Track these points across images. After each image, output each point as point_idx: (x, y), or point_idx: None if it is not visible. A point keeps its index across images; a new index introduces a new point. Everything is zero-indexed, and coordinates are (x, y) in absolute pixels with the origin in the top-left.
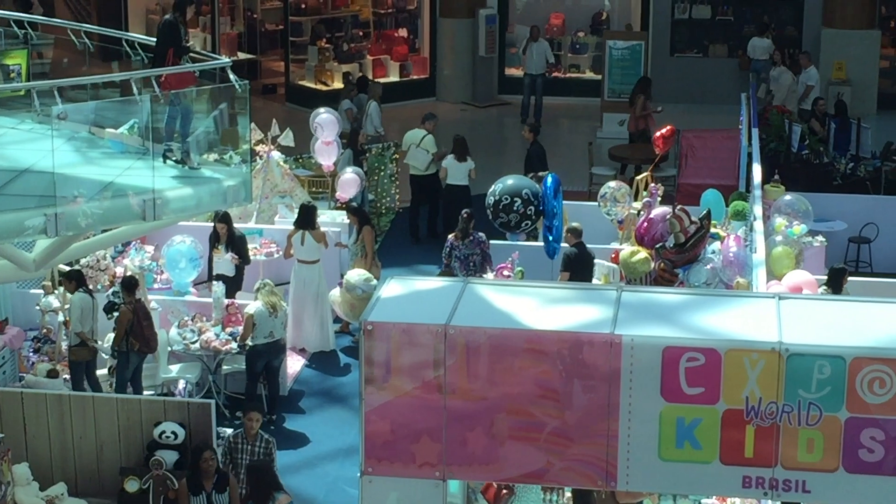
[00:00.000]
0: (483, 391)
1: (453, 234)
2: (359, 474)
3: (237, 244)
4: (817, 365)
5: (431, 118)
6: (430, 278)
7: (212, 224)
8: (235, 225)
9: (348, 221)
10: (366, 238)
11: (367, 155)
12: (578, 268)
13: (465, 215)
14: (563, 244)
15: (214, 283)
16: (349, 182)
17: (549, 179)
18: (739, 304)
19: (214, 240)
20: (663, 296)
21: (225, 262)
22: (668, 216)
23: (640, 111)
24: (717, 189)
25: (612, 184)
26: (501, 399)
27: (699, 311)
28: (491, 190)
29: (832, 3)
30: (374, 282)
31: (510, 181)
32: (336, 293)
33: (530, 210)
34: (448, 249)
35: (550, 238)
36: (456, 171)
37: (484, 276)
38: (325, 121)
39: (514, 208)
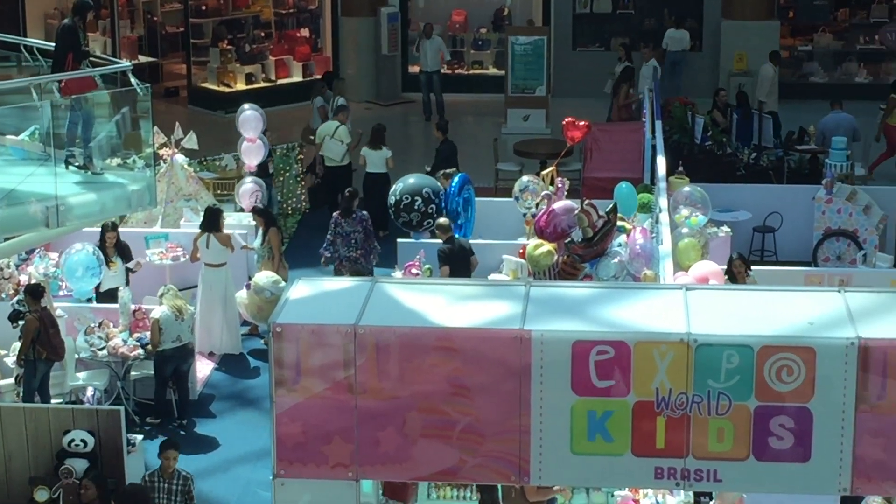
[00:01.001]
0: (394, 390)
1: (337, 212)
2: (271, 477)
3: (126, 252)
4: (725, 354)
5: (344, 109)
6: (339, 279)
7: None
8: (141, 229)
9: (254, 223)
10: (272, 240)
11: (273, 156)
12: (455, 261)
13: (347, 193)
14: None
15: (121, 287)
16: (247, 192)
17: (456, 179)
18: (647, 297)
19: (103, 252)
20: (572, 290)
21: (117, 276)
22: (575, 211)
23: (624, 100)
24: (621, 182)
25: (526, 178)
26: (413, 397)
27: (608, 304)
28: (392, 189)
29: None
30: (283, 284)
31: (411, 180)
32: (242, 295)
33: (431, 208)
34: (332, 226)
35: (458, 236)
36: (373, 160)
37: (368, 253)
38: (249, 118)
39: (415, 207)
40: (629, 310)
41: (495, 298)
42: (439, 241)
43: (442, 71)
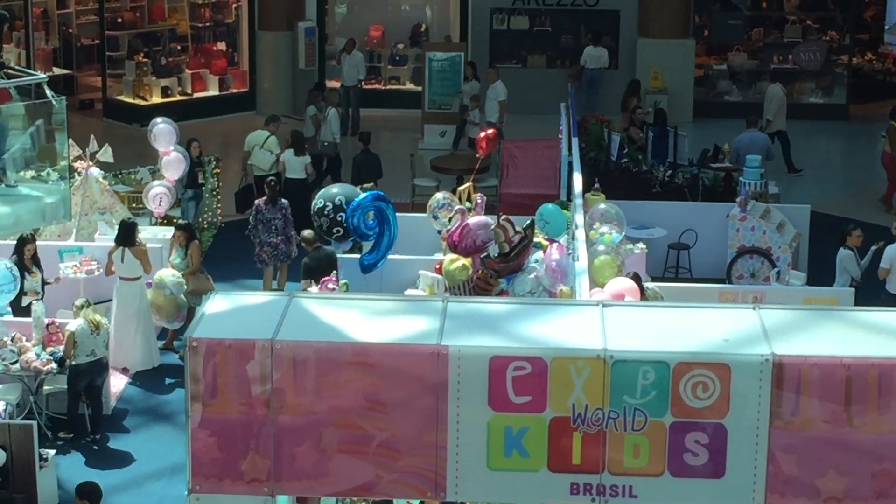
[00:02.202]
0: (311, 405)
1: (261, 200)
2: (186, 493)
3: (39, 262)
4: (642, 371)
5: (274, 120)
6: (256, 293)
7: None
8: (55, 242)
9: (170, 237)
10: (193, 253)
11: (204, 167)
12: (319, 274)
13: (271, 183)
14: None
15: (34, 301)
16: (153, 196)
17: (365, 194)
18: (564, 313)
19: (20, 263)
20: (489, 306)
21: (39, 286)
22: (490, 226)
23: (634, 113)
24: (538, 198)
25: (441, 195)
26: (329, 413)
27: (525, 320)
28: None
29: (647, 13)
30: (185, 286)
31: (334, 189)
32: None
33: (340, 216)
34: (254, 213)
35: (378, 256)
36: (295, 166)
37: (287, 239)
38: (162, 131)
39: (325, 212)
40: (546, 326)
41: (412, 314)
42: (355, 254)
43: (360, 86)
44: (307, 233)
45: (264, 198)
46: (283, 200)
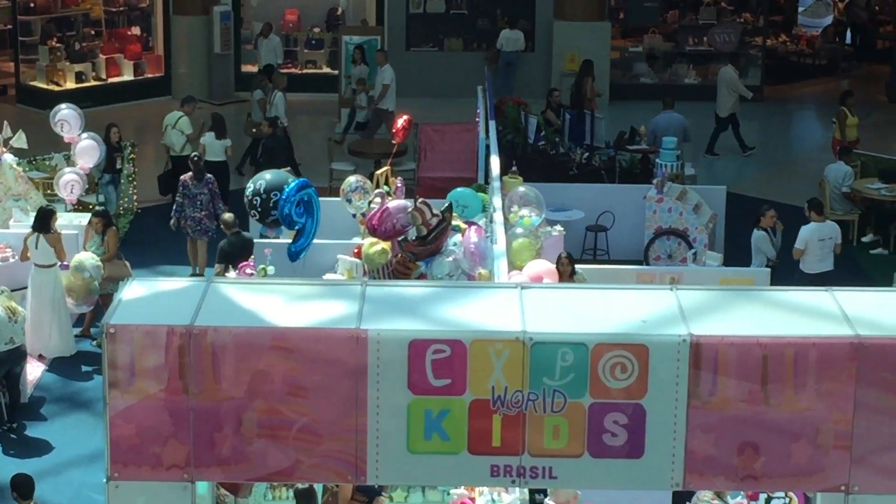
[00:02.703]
0: (230, 391)
1: (187, 175)
2: (105, 480)
3: None
4: (560, 353)
5: (190, 101)
6: (173, 279)
7: None
8: None
9: (86, 224)
10: (111, 240)
11: (123, 153)
12: (234, 259)
13: (195, 158)
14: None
15: None
16: (64, 183)
17: (292, 183)
18: (483, 295)
19: None
20: (408, 289)
21: None
22: (409, 209)
23: (591, 94)
24: (456, 181)
25: (354, 178)
26: (248, 398)
27: (444, 303)
28: None
29: None
30: (102, 271)
31: (266, 175)
32: None
33: (256, 201)
34: (181, 188)
35: (305, 242)
36: (216, 149)
37: (212, 214)
38: (67, 116)
39: (248, 194)
40: (465, 308)
41: (331, 298)
42: (283, 239)
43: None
44: (227, 216)
45: (190, 173)
46: (209, 175)
